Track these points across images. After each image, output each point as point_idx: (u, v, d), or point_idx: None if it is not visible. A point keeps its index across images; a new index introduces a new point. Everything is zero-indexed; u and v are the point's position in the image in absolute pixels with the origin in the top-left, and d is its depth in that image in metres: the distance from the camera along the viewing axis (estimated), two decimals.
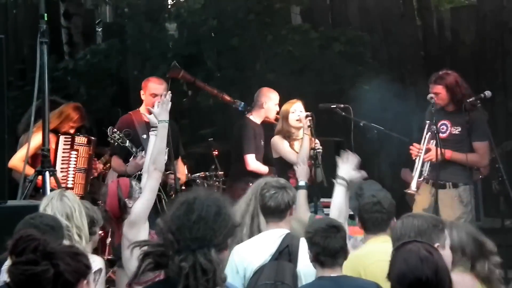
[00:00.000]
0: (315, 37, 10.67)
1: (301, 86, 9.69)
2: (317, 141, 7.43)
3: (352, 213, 5.33)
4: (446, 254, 3.66)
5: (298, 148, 7.37)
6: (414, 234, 3.57)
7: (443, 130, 6.98)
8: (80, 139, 7.32)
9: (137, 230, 4.85)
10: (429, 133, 6.98)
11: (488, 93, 7.14)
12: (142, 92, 7.30)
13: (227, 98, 8.79)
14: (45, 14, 6.01)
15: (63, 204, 4.38)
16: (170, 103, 5.35)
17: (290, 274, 4.53)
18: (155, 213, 5.43)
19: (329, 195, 7.79)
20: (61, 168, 7.10)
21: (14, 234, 2.63)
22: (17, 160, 6.87)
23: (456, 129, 6.99)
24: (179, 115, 10.28)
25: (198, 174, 8.61)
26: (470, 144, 6.97)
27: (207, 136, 9.60)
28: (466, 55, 10.80)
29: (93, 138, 7.53)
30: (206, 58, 11.23)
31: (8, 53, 6.55)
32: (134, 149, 7.06)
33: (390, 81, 9.35)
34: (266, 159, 7.79)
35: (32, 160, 6.71)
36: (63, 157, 7.19)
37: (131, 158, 7.10)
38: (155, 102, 5.75)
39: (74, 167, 7.26)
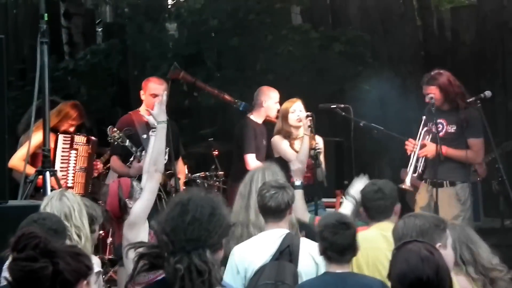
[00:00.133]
0: (315, 37, 10.68)
1: (301, 86, 9.69)
2: (319, 139, 7.44)
3: None
4: (448, 254, 3.66)
5: (298, 147, 7.37)
6: (415, 234, 3.57)
7: (439, 129, 7.01)
8: (80, 138, 7.32)
9: (137, 230, 4.85)
10: (425, 128, 7.03)
11: (488, 93, 7.16)
12: (142, 92, 7.30)
13: (228, 98, 8.79)
14: (45, 14, 6.01)
15: (62, 204, 4.39)
16: (165, 103, 5.36)
17: (291, 274, 4.54)
18: (156, 213, 5.43)
19: (330, 195, 7.86)
20: (61, 167, 7.09)
21: (17, 232, 2.64)
22: (17, 160, 6.87)
23: (452, 127, 7.03)
24: (180, 115, 10.29)
25: (198, 174, 8.62)
26: (465, 142, 7.01)
27: (207, 136, 9.61)
28: (466, 55, 10.82)
29: (93, 138, 7.53)
30: (206, 58, 11.25)
31: (8, 53, 6.56)
32: (134, 149, 7.06)
33: (390, 81, 9.36)
34: (269, 158, 7.76)
35: (32, 159, 6.70)
36: (62, 156, 7.19)
37: (132, 158, 7.10)
38: (155, 103, 5.74)
39: (73, 166, 7.26)
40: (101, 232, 7.28)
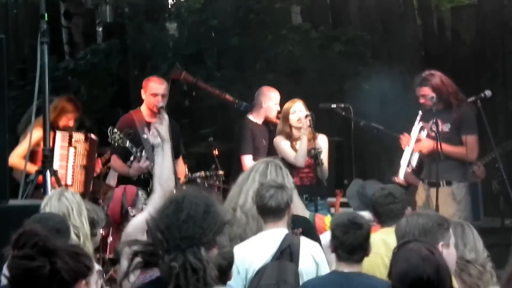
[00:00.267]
0: (316, 36, 10.68)
1: (301, 86, 9.70)
2: (323, 138, 7.45)
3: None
4: (451, 253, 3.65)
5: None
6: (418, 233, 3.56)
7: (435, 129, 7.06)
8: (78, 136, 7.32)
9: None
10: (420, 123, 7.11)
11: (488, 92, 7.20)
12: (142, 91, 7.30)
13: (229, 98, 8.80)
14: (46, 14, 6.01)
15: (61, 204, 4.39)
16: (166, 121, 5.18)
17: (292, 274, 4.54)
18: None
19: (330, 195, 7.86)
20: (60, 165, 7.08)
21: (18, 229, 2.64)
22: (16, 158, 6.84)
23: (447, 126, 7.08)
24: (180, 114, 10.29)
25: (198, 173, 8.61)
26: (460, 140, 7.08)
27: (208, 135, 9.60)
28: (467, 55, 10.81)
29: (94, 137, 7.53)
30: (206, 57, 11.25)
31: (8, 52, 6.56)
32: (134, 149, 7.06)
33: (390, 81, 9.35)
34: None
35: (30, 156, 6.69)
36: (61, 154, 7.19)
37: (132, 158, 7.11)
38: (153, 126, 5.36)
39: (72, 164, 7.26)
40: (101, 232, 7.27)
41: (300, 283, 4.52)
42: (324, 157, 7.35)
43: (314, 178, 7.31)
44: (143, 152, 7.09)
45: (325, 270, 4.66)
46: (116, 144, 7.05)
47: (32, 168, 6.43)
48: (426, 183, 7.13)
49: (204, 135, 10.09)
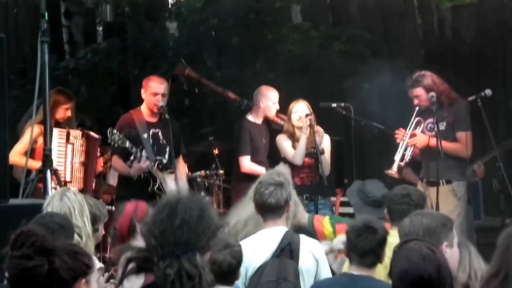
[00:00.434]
0: (316, 36, 10.68)
1: (301, 85, 9.69)
2: (326, 137, 7.45)
3: (351, 211, 5.34)
4: (454, 253, 3.65)
5: None
6: (422, 233, 3.55)
7: (431, 128, 7.08)
8: (75, 133, 7.32)
9: None
10: (416, 119, 7.16)
11: (488, 91, 7.21)
12: (142, 91, 7.31)
13: (232, 96, 8.81)
14: (46, 13, 6.01)
15: (62, 204, 4.39)
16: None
17: (292, 271, 4.54)
18: None
19: (331, 194, 7.85)
20: (58, 162, 7.06)
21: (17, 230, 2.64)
22: (15, 155, 6.82)
23: (442, 124, 7.10)
24: (180, 113, 10.29)
25: (198, 172, 8.61)
26: (455, 137, 7.14)
27: (208, 134, 9.60)
28: (467, 54, 10.81)
29: (95, 135, 7.52)
30: (206, 57, 11.25)
31: (9, 52, 6.54)
32: (134, 149, 7.06)
33: (390, 80, 9.35)
34: (274, 158, 7.75)
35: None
36: (59, 151, 7.19)
37: (132, 158, 7.11)
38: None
39: (71, 161, 7.26)
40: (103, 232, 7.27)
41: (300, 281, 4.52)
42: (327, 155, 7.37)
43: (315, 178, 7.32)
44: (143, 152, 7.09)
45: (325, 267, 4.67)
46: (116, 145, 7.05)
47: (32, 163, 6.42)
48: (425, 182, 7.15)
49: (204, 134, 10.10)
